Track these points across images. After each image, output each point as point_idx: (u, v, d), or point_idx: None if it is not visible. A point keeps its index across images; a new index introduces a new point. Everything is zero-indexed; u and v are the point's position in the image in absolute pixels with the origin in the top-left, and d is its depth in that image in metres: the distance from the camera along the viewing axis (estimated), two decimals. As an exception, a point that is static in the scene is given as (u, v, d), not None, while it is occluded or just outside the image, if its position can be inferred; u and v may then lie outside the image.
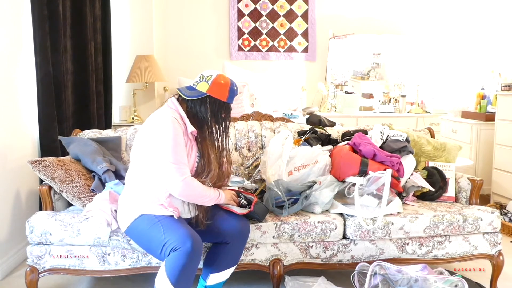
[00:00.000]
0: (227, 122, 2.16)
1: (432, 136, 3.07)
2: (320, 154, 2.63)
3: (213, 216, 2.15)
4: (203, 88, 2.06)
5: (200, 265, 2.22)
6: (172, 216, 1.99)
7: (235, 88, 2.11)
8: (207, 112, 2.07)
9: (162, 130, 1.99)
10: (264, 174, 2.68)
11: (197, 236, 1.91)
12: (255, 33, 5.36)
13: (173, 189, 1.99)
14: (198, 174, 2.10)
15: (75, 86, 3.47)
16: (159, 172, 2.00)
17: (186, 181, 1.98)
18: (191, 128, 2.06)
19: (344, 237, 2.39)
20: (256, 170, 2.84)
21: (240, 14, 5.32)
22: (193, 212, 2.13)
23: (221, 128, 2.15)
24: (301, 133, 2.94)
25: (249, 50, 5.37)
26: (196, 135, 2.10)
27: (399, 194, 2.57)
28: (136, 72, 4.43)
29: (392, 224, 2.35)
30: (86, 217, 2.21)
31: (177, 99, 2.12)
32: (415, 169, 2.76)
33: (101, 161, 2.51)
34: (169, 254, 1.86)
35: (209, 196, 2.07)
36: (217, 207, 2.20)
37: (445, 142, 2.97)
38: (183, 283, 1.86)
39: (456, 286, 1.97)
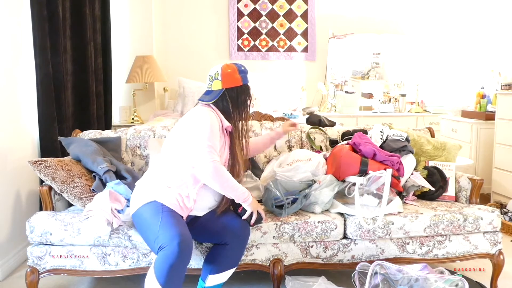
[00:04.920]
0: (249, 102, 2.23)
1: (432, 135, 3.07)
2: (314, 155, 2.63)
3: (213, 216, 2.15)
4: (217, 86, 2.16)
5: (200, 265, 2.22)
6: (177, 213, 2.02)
7: (242, 68, 2.22)
8: (229, 104, 2.16)
9: (200, 119, 2.09)
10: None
11: (187, 237, 1.90)
12: (254, 33, 5.36)
13: (203, 171, 2.02)
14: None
15: (75, 87, 3.48)
16: (192, 153, 2.05)
17: (215, 164, 2.01)
18: (227, 123, 2.16)
19: (345, 236, 2.39)
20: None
21: (240, 14, 5.32)
22: (217, 200, 2.19)
23: (243, 112, 2.22)
24: (332, 142, 2.91)
25: (248, 50, 5.37)
26: (231, 131, 2.18)
27: (399, 194, 2.57)
28: (136, 73, 4.44)
29: (393, 223, 2.35)
30: (87, 217, 2.21)
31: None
32: (415, 169, 2.76)
33: (101, 162, 2.51)
34: (157, 252, 1.87)
35: (235, 187, 2.07)
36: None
37: (445, 142, 2.97)
38: (172, 284, 1.85)
39: (456, 285, 1.97)
